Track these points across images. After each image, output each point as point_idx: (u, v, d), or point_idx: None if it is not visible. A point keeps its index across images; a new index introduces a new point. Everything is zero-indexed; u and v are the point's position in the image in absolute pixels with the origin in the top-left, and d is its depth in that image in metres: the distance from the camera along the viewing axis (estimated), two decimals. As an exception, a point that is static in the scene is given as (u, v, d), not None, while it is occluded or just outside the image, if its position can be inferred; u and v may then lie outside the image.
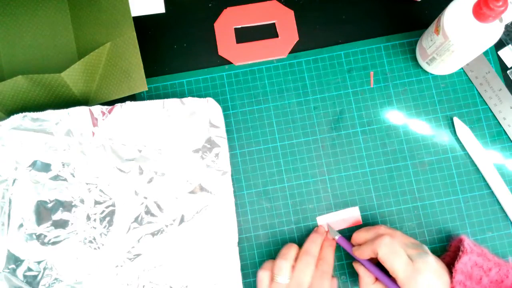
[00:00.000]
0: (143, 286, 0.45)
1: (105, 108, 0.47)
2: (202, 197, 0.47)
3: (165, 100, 0.47)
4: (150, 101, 0.47)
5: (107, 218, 0.46)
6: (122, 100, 0.48)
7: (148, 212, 0.46)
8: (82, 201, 0.46)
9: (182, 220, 0.46)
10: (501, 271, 0.42)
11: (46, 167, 0.46)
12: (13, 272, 0.44)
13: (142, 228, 0.46)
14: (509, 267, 0.42)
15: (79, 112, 0.46)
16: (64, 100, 0.48)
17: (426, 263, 0.40)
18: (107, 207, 0.46)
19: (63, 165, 0.46)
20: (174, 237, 0.46)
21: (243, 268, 0.48)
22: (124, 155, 0.47)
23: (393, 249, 0.40)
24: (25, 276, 0.44)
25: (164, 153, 0.47)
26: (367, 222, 0.48)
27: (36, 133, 0.46)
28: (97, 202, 0.46)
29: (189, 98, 0.48)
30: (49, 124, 0.46)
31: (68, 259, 0.45)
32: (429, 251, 0.42)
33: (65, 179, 0.46)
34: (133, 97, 0.51)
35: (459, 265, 0.41)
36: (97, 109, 0.47)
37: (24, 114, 0.45)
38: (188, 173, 0.47)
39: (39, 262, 0.45)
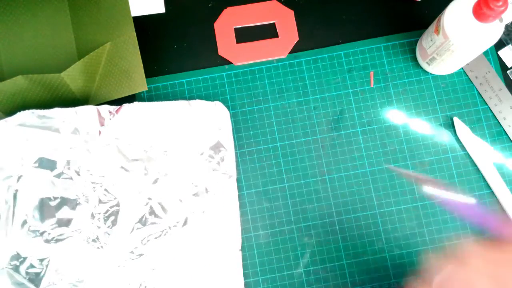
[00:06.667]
0: (145, 287, 0.45)
1: (113, 108, 0.47)
2: (207, 200, 0.47)
3: (173, 101, 0.47)
4: (158, 102, 0.47)
5: (111, 218, 0.46)
6: (129, 100, 0.48)
7: (152, 213, 0.46)
8: (86, 199, 0.46)
9: (185, 222, 0.46)
10: None
11: (51, 165, 0.46)
12: (16, 268, 0.44)
13: (146, 229, 0.46)
14: None
15: (87, 111, 0.46)
16: (64, 100, 0.48)
17: None
18: (111, 207, 0.46)
19: (69, 163, 0.46)
20: (177, 239, 0.46)
21: (243, 269, 0.48)
22: (130, 155, 0.47)
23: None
24: (27, 273, 0.44)
25: (170, 154, 0.47)
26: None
27: (43, 130, 0.46)
28: (101, 201, 0.46)
29: (197, 100, 0.48)
30: (55, 121, 0.46)
31: (71, 257, 0.45)
32: None
33: (70, 177, 0.46)
34: (133, 97, 0.51)
35: None
36: (104, 108, 0.46)
37: (31, 111, 0.45)
38: (194, 175, 0.47)
39: (42, 260, 0.45)
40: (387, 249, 0.48)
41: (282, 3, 0.53)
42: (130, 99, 0.50)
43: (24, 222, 0.45)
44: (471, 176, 0.49)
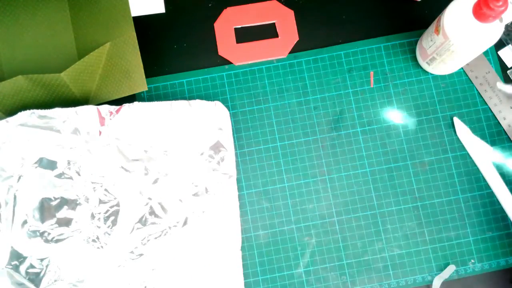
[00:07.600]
0: (145, 287, 0.45)
1: (113, 108, 0.47)
2: (207, 200, 0.47)
3: (173, 101, 0.47)
4: (158, 102, 0.47)
5: (111, 218, 0.46)
6: (129, 100, 0.48)
7: (152, 213, 0.46)
8: (86, 199, 0.46)
9: (185, 222, 0.46)
10: None
11: (52, 165, 0.46)
12: (16, 268, 0.44)
13: (146, 229, 0.46)
14: None
15: (87, 111, 0.46)
16: (64, 100, 0.48)
17: None
18: (111, 207, 0.46)
19: (69, 163, 0.46)
20: (177, 239, 0.46)
21: (243, 269, 0.48)
22: (130, 155, 0.47)
23: None
24: (27, 273, 0.44)
25: (170, 154, 0.47)
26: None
27: (43, 130, 0.46)
28: (101, 201, 0.46)
29: (197, 100, 0.48)
30: (56, 122, 0.46)
31: (71, 257, 0.45)
32: None
33: (70, 177, 0.46)
34: (133, 97, 0.51)
35: None
36: (105, 108, 0.46)
37: (32, 111, 0.45)
38: (194, 175, 0.47)
39: (42, 260, 0.45)
40: (387, 249, 0.48)
41: (282, 3, 0.53)
42: (130, 99, 0.50)
43: (24, 222, 0.45)
44: (471, 176, 0.49)
